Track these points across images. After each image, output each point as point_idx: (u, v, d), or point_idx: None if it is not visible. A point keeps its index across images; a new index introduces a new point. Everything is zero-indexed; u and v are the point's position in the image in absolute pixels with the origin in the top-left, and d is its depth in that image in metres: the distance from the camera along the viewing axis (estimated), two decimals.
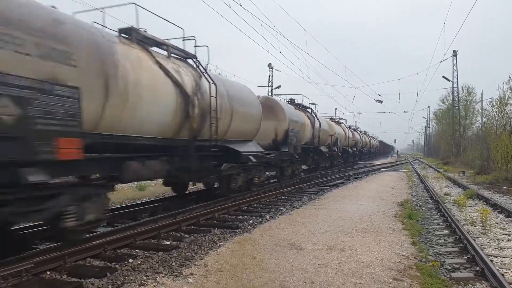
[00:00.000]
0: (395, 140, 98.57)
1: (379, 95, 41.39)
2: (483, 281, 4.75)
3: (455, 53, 37.83)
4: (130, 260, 5.25)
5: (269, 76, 37.68)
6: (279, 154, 13.57)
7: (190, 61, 8.75)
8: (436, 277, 4.83)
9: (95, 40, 5.72)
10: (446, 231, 7.60)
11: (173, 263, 5.17)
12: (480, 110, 36.64)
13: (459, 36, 24.58)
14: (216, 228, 7.31)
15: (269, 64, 37.69)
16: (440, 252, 6.08)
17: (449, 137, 43.98)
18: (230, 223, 7.81)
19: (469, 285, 4.67)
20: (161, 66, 7.09)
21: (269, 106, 14.50)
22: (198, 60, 8.67)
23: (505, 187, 15.77)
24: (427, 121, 75.11)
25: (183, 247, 5.99)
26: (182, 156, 8.01)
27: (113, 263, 5.18)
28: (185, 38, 8.03)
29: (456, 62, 38.29)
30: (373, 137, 63.61)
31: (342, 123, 31.86)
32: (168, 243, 6.30)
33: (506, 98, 23.24)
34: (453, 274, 5.01)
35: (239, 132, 10.57)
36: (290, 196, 12.05)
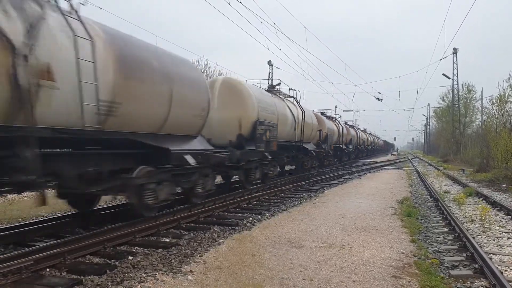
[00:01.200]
0: (395, 138, 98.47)
1: (379, 92, 41.44)
2: (482, 279, 4.77)
3: (455, 51, 37.81)
4: (130, 257, 5.25)
5: (269, 73, 37.64)
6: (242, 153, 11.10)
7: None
8: (435, 274, 4.84)
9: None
10: (445, 229, 7.62)
11: (173, 261, 5.17)
12: (480, 108, 36.67)
13: (460, 34, 24.55)
14: (216, 226, 7.32)
15: (269, 62, 37.64)
16: (439, 250, 6.10)
17: (449, 135, 44.01)
18: (230, 220, 7.82)
19: (468, 282, 4.68)
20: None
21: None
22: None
23: (504, 185, 15.79)
24: (427, 119, 75.12)
25: (183, 244, 6.00)
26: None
27: (113, 260, 5.18)
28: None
29: (456, 60, 38.31)
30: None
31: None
32: (167, 240, 6.31)
33: (506, 96, 23.20)
34: (452, 272, 5.02)
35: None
36: (290, 194, 12.06)
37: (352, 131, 33.81)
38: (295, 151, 16.60)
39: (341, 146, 27.55)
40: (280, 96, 15.26)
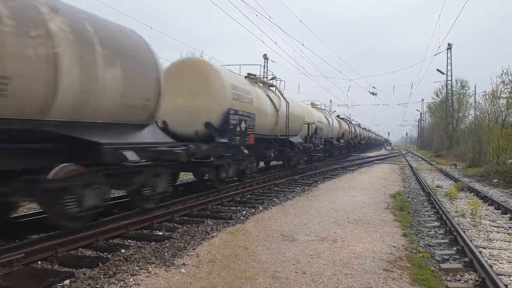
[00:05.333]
0: (388, 132, 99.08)
1: (373, 87, 41.54)
2: (471, 272, 4.83)
3: (449, 47, 37.88)
4: (123, 250, 5.24)
5: (264, 67, 37.51)
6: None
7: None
8: (426, 268, 4.90)
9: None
10: (437, 223, 7.69)
11: (166, 254, 5.17)
12: (473, 104, 36.91)
13: (454, 30, 24.63)
14: (209, 219, 7.33)
15: (264, 55, 37.48)
16: (431, 244, 6.16)
17: (442, 130, 44.30)
18: (223, 214, 7.83)
19: (458, 275, 4.74)
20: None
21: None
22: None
23: (495, 180, 15.97)
24: (420, 114, 75.51)
25: (176, 237, 6.00)
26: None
27: (105, 253, 5.17)
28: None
29: (451, 56, 38.41)
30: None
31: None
32: (160, 233, 6.30)
33: (498, 91, 23.41)
34: (443, 265, 5.08)
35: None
36: (284, 188, 12.09)
37: (344, 124, 33.39)
38: (279, 145, 15.06)
39: (331, 140, 26.99)
40: (259, 84, 13.92)
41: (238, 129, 10.59)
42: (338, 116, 35.15)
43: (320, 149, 22.30)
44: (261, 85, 14.03)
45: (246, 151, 11.37)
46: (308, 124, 19.45)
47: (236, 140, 10.50)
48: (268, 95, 13.98)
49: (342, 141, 31.04)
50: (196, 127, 9.93)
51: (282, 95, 15.36)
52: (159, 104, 7.34)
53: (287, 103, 15.29)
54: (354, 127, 40.64)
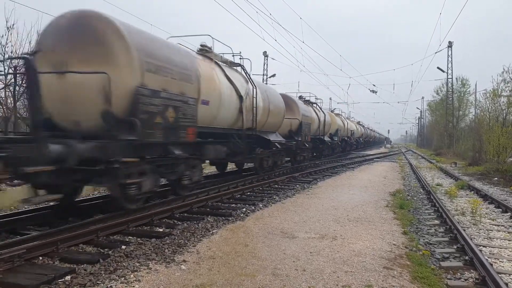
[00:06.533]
0: (388, 130, 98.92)
1: (373, 85, 41.63)
2: (472, 270, 4.83)
3: (450, 44, 37.78)
4: (123, 247, 5.25)
5: (264, 64, 37.45)
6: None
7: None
8: (426, 266, 4.90)
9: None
10: (437, 221, 7.70)
11: (166, 250, 5.18)
12: (474, 102, 36.90)
13: (455, 28, 24.57)
14: (209, 216, 7.34)
15: (264, 52, 37.39)
16: (431, 242, 6.17)
17: (442, 128, 44.28)
18: (223, 211, 7.84)
19: (458, 274, 4.75)
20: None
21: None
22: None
23: (495, 178, 15.98)
24: (420, 112, 75.42)
25: (176, 234, 6.01)
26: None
27: (106, 249, 5.18)
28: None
29: (451, 53, 38.30)
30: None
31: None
32: (161, 230, 6.31)
33: (499, 90, 23.36)
34: (443, 263, 5.08)
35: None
36: (283, 185, 12.10)
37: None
38: (244, 143, 11.15)
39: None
40: (208, 56, 9.94)
41: (158, 120, 6.94)
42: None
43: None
44: (208, 56, 9.93)
45: (176, 152, 7.78)
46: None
47: (158, 136, 6.97)
48: (224, 73, 10.14)
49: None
50: (83, 116, 6.27)
51: (249, 77, 11.71)
52: None
53: (254, 87, 11.67)
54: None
